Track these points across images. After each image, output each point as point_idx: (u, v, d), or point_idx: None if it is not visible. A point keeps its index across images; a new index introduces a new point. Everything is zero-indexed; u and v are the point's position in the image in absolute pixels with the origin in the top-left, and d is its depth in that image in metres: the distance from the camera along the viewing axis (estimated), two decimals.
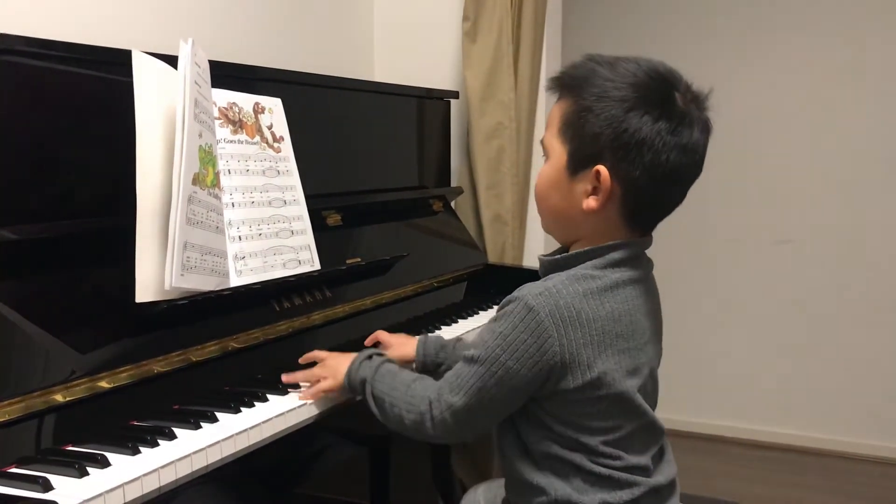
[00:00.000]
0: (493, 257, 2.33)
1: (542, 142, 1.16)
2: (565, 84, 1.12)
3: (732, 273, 3.32)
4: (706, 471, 2.95)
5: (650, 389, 1.16)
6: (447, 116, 2.30)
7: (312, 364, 1.33)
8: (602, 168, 1.07)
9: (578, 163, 1.09)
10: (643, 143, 1.04)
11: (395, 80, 2.31)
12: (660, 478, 1.14)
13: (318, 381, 1.27)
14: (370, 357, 1.25)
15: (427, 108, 2.22)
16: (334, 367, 1.27)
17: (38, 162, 1.22)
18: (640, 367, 1.12)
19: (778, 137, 3.20)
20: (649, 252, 1.17)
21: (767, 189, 3.24)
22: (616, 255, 1.10)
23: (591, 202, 1.09)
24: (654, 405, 1.17)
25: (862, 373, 3.14)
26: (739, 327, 3.32)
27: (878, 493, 2.89)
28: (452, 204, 2.31)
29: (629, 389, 1.09)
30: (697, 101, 1.10)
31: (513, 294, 1.08)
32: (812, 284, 3.19)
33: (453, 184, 2.38)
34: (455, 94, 2.33)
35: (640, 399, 1.11)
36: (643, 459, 1.13)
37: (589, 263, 1.10)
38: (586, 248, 1.11)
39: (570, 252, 1.12)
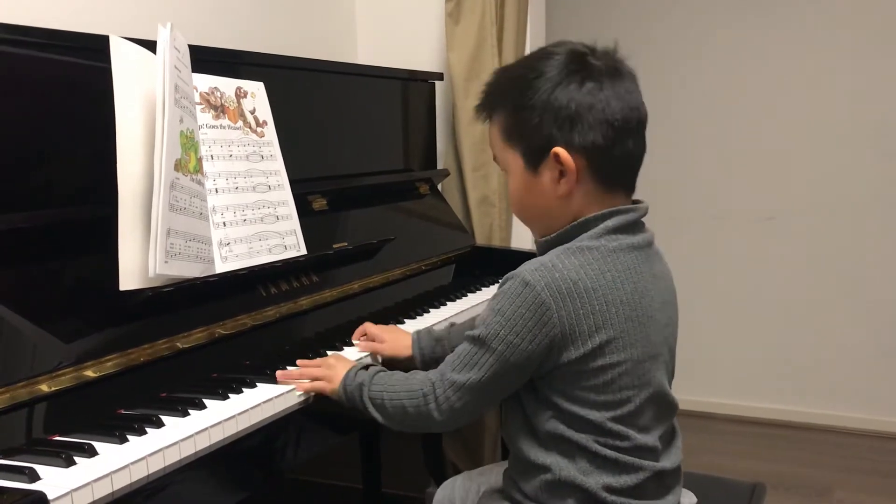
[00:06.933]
0: (480, 239, 2.33)
1: (495, 161, 1.19)
2: (490, 101, 1.17)
3: (716, 250, 3.33)
4: (694, 447, 2.96)
5: (667, 359, 1.16)
6: (432, 98, 2.28)
7: (308, 356, 1.33)
8: (558, 149, 1.08)
9: (534, 156, 1.11)
10: (581, 107, 1.07)
11: (378, 62, 2.30)
12: (665, 463, 1.14)
13: (315, 378, 1.26)
14: (366, 367, 1.25)
15: (411, 90, 2.21)
16: (332, 371, 1.26)
17: (18, 150, 1.20)
18: (650, 336, 1.11)
19: (760, 114, 3.20)
20: None
21: (751, 166, 3.24)
22: (610, 223, 1.10)
23: (563, 187, 1.10)
24: (670, 375, 1.18)
25: (850, 347, 3.16)
26: (724, 304, 3.33)
27: (867, 465, 2.92)
28: (439, 186, 2.31)
29: (637, 357, 1.09)
30: (609, 55, 1.13)
31: (511, 272, 1.09)
32: (796, 260, 3.21)
33: (439, 166, 2.37)
34: (439, 76, 2.31)
35: (648, 366, 1.11)
36: (651, 439, 1.12)
37: (584, 235, 1.10)
38: (580, 221, 1.11)
39: (565, 227, 1.12)
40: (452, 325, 1.54)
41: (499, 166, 1.19)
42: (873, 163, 3.07)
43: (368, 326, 1.48)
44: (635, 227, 1.14)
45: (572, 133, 1.08)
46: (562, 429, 1.09)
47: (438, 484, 1.45)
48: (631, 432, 1.10)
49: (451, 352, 1.39)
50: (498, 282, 2.02)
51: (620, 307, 1.08)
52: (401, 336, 1.46)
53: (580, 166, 1.09)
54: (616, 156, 1.10)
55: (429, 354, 1.42)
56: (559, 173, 1.10)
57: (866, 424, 3.15)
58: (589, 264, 1.07)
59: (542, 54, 1.13)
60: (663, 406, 1.15)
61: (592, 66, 1.09)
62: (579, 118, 1.07)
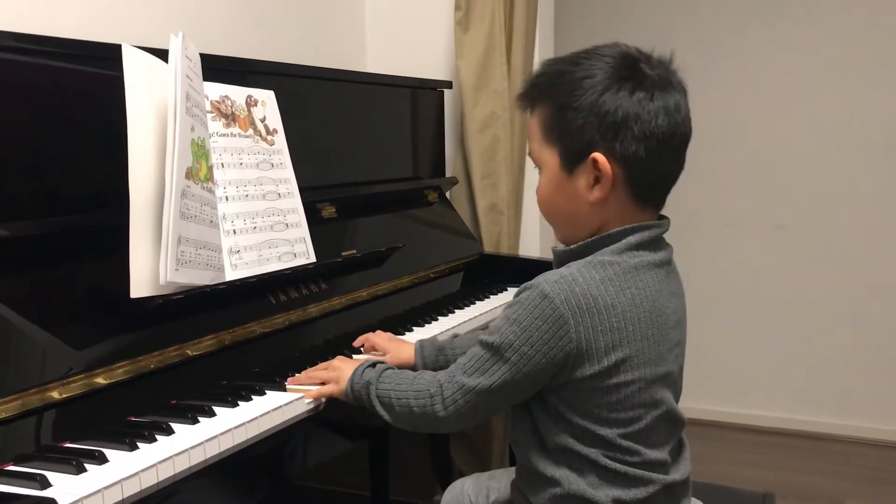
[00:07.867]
0: (488, 247, 2.33)
1: (530, 156, 1.16)
2: (534, 94, 1.13)
3: (727, 258, 3.32)
4: (704, 457, 2.95)
5: (676, 377, 1.15)
6: (441, 106, 2.29)
7: (314, 363, 1.33)
8: (597, 155, 1.06)
9: (572, 159, 1.08)
10: (628, 116, 1.04)
11: (387, 70, 2.30)
12: (675, 475, 1.13)
13: (322, 382, 1.27)
14: (373, 365, 1.25)
15: (420, 98, 2.22)
16: (338, 373, 1.26)
17: (31, 159, 1.21)
18: (664, 354, 1.10)
19: (775, 122, 3.20)
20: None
21: (764, 174, 3.24)
22: (633, 238, 1.08)
23: (596, 193, 1.08)
24: (678, 393, 1.16)
25: (859, 356, 3.14)
26: (735, 312, 3.32)
27: (878, 475, 2.90)
28: (447, 194, 2.31)
29: (650, 376, 1.08)
30: (664, 65, 1.10)
31: (529, 282, 1.07)
32: (808, 269, 3.19)
33: (448, 174, 2.38)
34: (448, 84, 2.32)
35: (661, 386, 1.10)
36: (661, 454, 1.11)
37: (606, 250, 1.08)
38: (602, 235, 1.09)
39: (586, 240, 1.10)
40: (456, 335, 1.53)
41: (532, 161, 1.15)
42: (886, 171, 3.06)
43: (371, 336, 1.48)
44: (657, 243, 1.11)
45: (615, 141, 1.05)
46: (571, 442, 1.08)
47: (444, 489, 1.44)
48: (641, 448, 1.09)
49: (454, 362, 1.40)
50: (506, 289, 2.03)
51: (638, 325, 1.06)
52: (403, 346, 1.45)
53: (616, 175, 1.06)
54: (654, 171, 1.08)
55: (431, 364, 1.42)
56: (594, 179, 1.07)
57: (878, 434, 3.13)
58: (610, 280, 1.05)
59: (594, 54, 1.08)
60: (672, 423, 1.14)
61: (645, 74, 1.06)
62: (625, 127, 1.04)
